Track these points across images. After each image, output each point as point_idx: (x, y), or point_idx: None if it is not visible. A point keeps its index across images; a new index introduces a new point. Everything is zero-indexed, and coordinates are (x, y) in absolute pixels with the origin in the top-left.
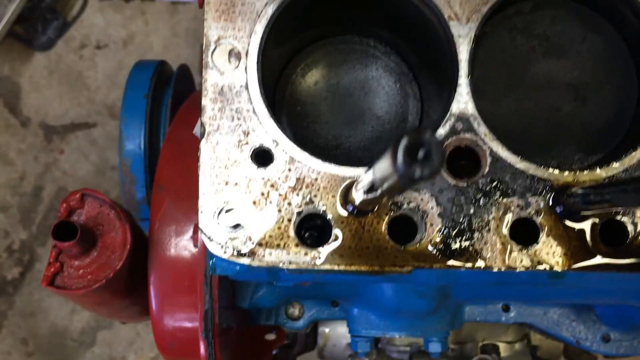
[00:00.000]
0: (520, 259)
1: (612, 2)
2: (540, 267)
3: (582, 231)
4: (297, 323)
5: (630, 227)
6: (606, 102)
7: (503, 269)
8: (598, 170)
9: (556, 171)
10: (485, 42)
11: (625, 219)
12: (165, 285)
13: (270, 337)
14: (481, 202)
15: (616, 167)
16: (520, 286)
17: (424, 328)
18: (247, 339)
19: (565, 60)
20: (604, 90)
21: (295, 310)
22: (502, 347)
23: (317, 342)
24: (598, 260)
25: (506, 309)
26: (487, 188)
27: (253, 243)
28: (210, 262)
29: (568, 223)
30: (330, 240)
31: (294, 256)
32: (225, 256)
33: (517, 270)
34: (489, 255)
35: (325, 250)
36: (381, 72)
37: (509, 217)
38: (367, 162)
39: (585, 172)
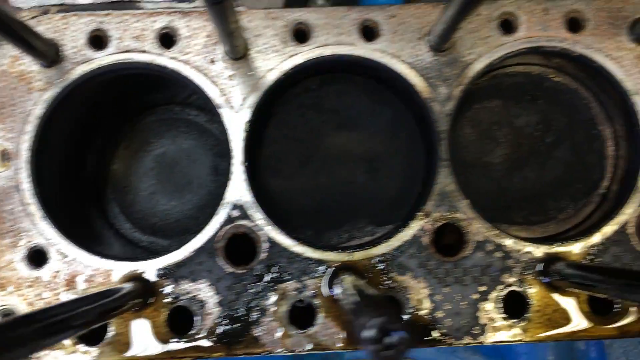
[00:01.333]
0: (301, 342)
1: (390, 77)
2: (320, 349)
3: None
4: None
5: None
6: (396, 173)
7: (285, 352)
8: (372, 249)
9: (332, 253)
10: (275, 120)
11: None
12: None
13: None
14: (260, 287)
15: (392, 242)
16: None
17: None
18: None
19: (357, 132)
20: (394, 162)
21: None
22: None
23: None
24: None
25: None
26: (264, 273)
27: None
28: None
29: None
30: (106, 336)
31: (68, 356)
32: None
33: (301, 353)
34: (269, 341)
35: (100, 347)
36: (205, 139)
37: (287, 302)
38: (195, 230)
39: (360, 251)
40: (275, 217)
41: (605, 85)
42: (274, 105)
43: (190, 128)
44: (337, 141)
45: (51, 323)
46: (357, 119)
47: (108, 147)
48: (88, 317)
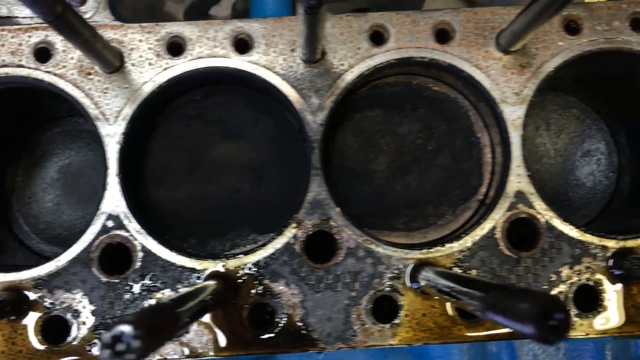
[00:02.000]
0: (176, 350)
1: (268, 88)
2: (194, 356)
3: (232, 318)
4: None
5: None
6: (280, 181)
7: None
8: (245, 257)
9: (205, 261)
10: (160, 131)
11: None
12: None
13: None
14: (133, 296)
15: (266, 250)
16: None
17: None
18: None
19: (242, 142)
20: (278, 170)
21: None
22: None
23: None
24: (251, 344)
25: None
26: (138, 282)
27: None
28: None
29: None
30: None
31: None
32: None
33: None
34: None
35: None
36: None
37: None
38: None
39: (233, 259)
40: (159, 226)
41: (479, 94)
42: (159, 116)
43: (94, 140)
44: (223, 151)
45: None
46: (242, 129)
47: (13, 159)
48: None
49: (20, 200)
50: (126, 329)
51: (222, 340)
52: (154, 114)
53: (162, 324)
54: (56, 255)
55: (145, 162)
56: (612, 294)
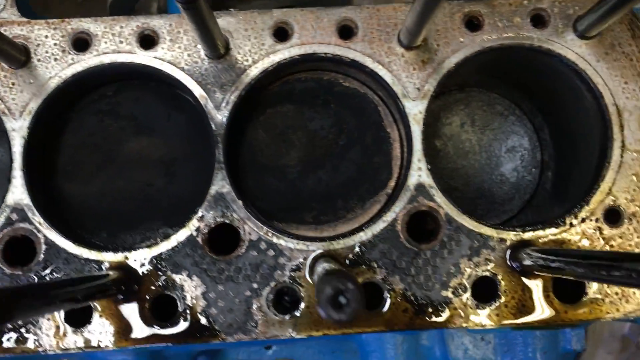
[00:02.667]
0: (74, 340)
1: (174, 84)
2: (92, 348)
3: (133, 308)
4: None
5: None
6: (192, 176)
7: (59, 351)
8: (148, 250)
9: (107, 254)
10: (72, 126)
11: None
12: None
13: None
14: None
15: (168, 243)
16: None
17: None
18: None
19: (155, 138)
20: (190, 165)
21: None
22: None
23: None
24: (151, 335)
25: (268, 347)
26: (43, 274)
27: None
28: None
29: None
30: None
31: None
32: None
33: (73, 352)
34: (44, 339)
35: None
36: None
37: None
38: None
39: (135, 252)
40: (70, 220)
41: (385, 90)
42: (70, 111)
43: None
44: (135, 146)
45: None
46: (154, 124)
47: None
48: None
49: None
50: None
51: (124, 332)
52: (64, 109)
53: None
54: None
55: (56, 156)
56: (510, 285)
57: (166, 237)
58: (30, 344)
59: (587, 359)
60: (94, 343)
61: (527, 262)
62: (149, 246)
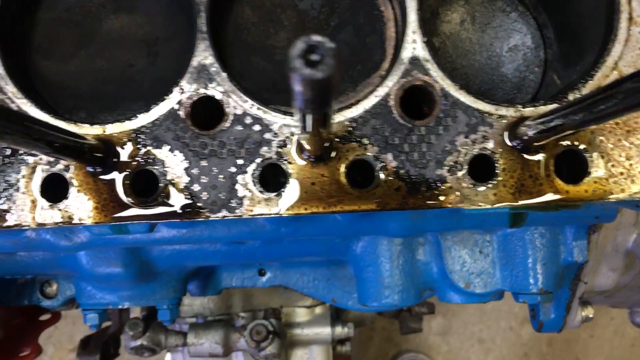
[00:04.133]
0: (51, 216)
1: None
2: (74, 222)
3: (112, 183)
4: (54, 301)
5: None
6: (175, 55)
7: (34, 225)
8: (126, 122)
9: (87, 126)
10: (47, 2)
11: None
12: None
13: (45, 317)
14: (9, 159)
15: (148, 116)
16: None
17: (145, 296)
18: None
19: (137, 15)
20: (172, 44)
21: (52, 289)
22: (302, 312)
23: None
24: (131, 212)
25: (262, 273)
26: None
27: None
28: None
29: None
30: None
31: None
32: None
33: (49, 227)
34: (19, 215)
35: None
36: None
37: (38, 175)
38: None
39: (114, 124)
40: (47, 98)
41: None
42: None
43: None
44: (116, 25)
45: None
46: (136, 1)
47: None
48: None
49: None
50: None
51: (102, 207)
52: None
53: None
54: None
55: (31, 32)
56: (509, 164)
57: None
58: (8, 221)
59: (590, 276)
60: (71, 218)
61: (528, 133)
62: (128, 118)
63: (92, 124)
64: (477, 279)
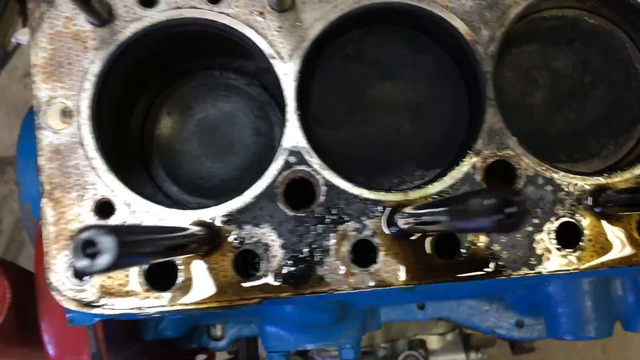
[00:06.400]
0: (363, 279)
1: (431, 24)
2: (383, 286)
3: (418, 248)
4: (220, 343)
5: (463, 242)
6: (441, 118)
7: (350, 290)
8: (427, 189)
9: (388, 193)
10: (319, 73)
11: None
12: (57, 331)
13: (201, 357)
14: (320, 229)
15: (445, 180)
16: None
17: (333, 337)
18: None
19: (400, 82)
20: (438, 107)
21: (217, 331)
22: (434, 340)
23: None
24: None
25: (421, 307)
26: (325, 215)
27: (100, 293)
28: (68, 315)
29: (404, 241)
30: (177, 281)
31: (142, 301)
32: (73, 307)
33: (365, 290)
34: (333, 280)
35: (172, 291)
36: (245, 102)
37: (347, 241)
38: (239, 190)
39: (416, 190)
40: (329, 164)
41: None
42: (318, 57)
43: (229, 92)
44: (381, 91)
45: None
46: (399, 68)
47: (151, 111)
48: (157, 246)
49: (161, 154)
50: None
51: (410, 270)
52: (317, 54)
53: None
54: (200, 205)
55: (308, 102)
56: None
57: (422, 179)
58: (322, 286)
59: None
60: (384, 281)
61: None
62: (426, 185)
63: (394, 190)
64: None
